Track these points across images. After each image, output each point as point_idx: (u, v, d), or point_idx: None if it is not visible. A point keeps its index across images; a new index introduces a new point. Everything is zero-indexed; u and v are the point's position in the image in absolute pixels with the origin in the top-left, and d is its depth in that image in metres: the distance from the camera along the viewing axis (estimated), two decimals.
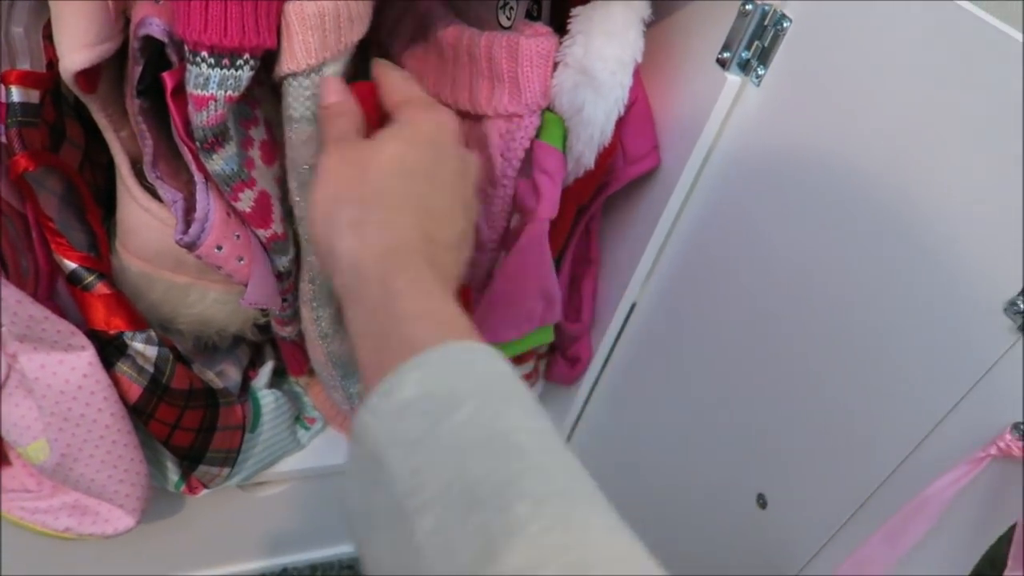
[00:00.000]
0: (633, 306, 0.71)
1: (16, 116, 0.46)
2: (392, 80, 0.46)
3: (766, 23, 0.53)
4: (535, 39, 0.52)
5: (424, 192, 0.39)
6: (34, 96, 0.47)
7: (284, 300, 0.55)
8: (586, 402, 0.82)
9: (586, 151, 0.57)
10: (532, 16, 0.58)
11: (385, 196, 0.38)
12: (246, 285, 0.50)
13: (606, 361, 0.77)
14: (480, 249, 0.59)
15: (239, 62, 0.41)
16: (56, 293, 0.56)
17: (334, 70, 0.44)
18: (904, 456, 0.48)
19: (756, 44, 0.55)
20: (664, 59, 0.60)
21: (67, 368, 0.55)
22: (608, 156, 0.59)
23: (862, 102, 0.49)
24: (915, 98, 0.45)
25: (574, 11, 0.54)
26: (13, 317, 0.50)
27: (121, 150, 0.50)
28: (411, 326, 0.32)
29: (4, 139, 0.46)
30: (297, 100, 0.44)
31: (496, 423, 0.28)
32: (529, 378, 0.78)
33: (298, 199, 0.49)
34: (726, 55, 0.56)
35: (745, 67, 0.56)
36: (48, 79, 0.47)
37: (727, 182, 0.60)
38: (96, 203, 0.53)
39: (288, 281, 0.55)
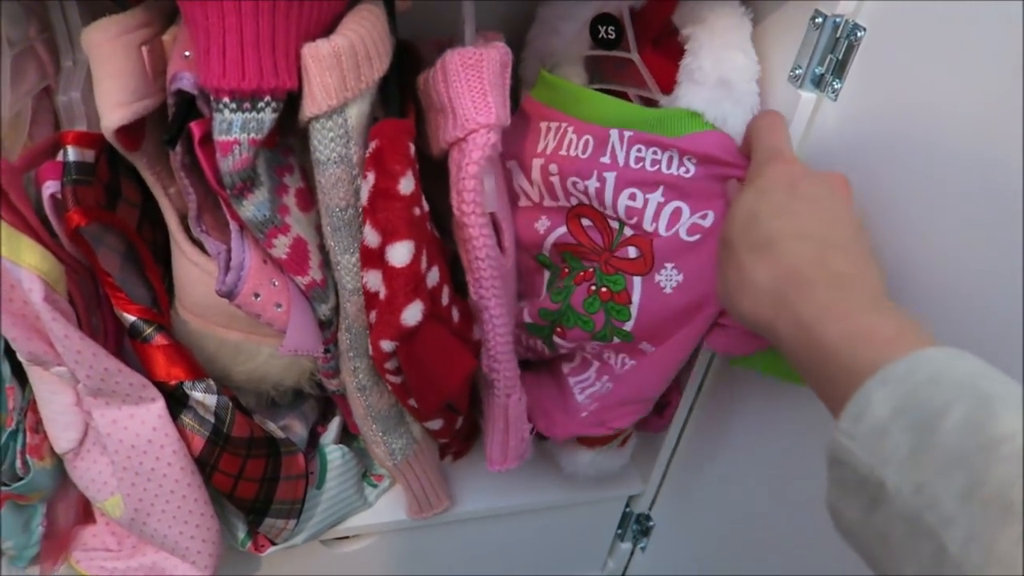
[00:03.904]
0: None
1: (71, 175, 0.48)
2: (760, 137, 0.50)
3: (838, 35, 0.50)
4: (460, 49, 0.47)
5: (780, 229, 0.40)
6: (89, 156, 0.49)
7: (327, 351, 0.54)
8: (675, 448, 0.78)
9: None
10: (609, 42, 0.56)
11: (749, 248, 0.41)
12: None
13: (693, 402, 0.73)
14: (475, 308, 0.55)
15: (260, 104, 0.41)
16: (123, 350, 0.58)
17: (358, 110, 0.43)
18: None
19: (829, 58, 0.51)
20: None
21: (137, 422, 0.56)
22: None
23: (949, 109, 0.44)
24: (1005, 97, 0.40)
25: (686, 30, 0.53)
26: (89, 371, 0.52)
27: (170, 206, 0.51)
28: (844, 355, 0.33)
29: (61, 197, 0.48)
30: (322, 143, 0.43)
31: (992, 427, 0.27)
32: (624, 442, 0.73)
33: (332, 244, 0.48)
34: (798, 71, 0.53)
35: (819, 82, 0.53)
36: (103, 140, 0.49)
37: None
38: (156, 261, 0.55)
39: (330, 330, 0.53)
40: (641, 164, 0.53)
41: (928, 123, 0.45)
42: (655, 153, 0.52)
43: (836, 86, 0.51)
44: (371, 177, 0.44)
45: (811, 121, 0.53)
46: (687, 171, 0.52)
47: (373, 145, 0.44)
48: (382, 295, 0.47)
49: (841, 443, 0.31)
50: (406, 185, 0.45)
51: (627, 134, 0.52)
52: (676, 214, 0.53)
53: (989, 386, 0.29)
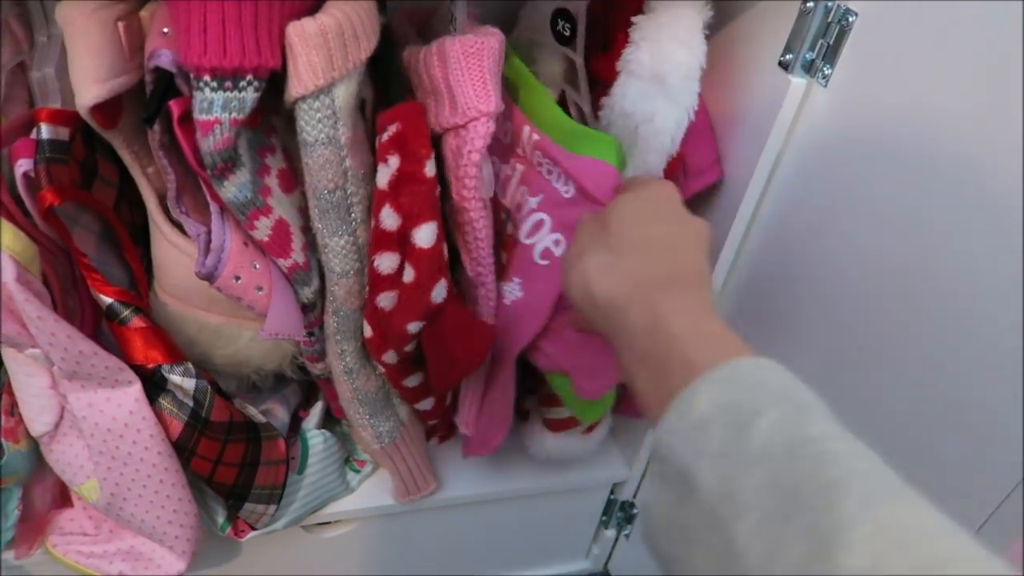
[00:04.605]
0: None
1: (45, 153, 0.46)
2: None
3: (829, 20, 0.50)
4: (460, 37, 0.47)
5: (659, 235, 0.43)
6: (63, 134, 0.47)
7: (311, 335, 0.53)
8: None
9: (656, 162, 0.54)
10: (564, 37, 0.56)
11: (627, 241, 0.42)
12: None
13: None
14: (470, 285, 0.56)
15: (242, 83, 0.40)
16: (101, 333, 0.57)
17: (345, 90, 0.42)
18: None
19: (820, 43, 0.51)
20: (723, 66, 0.57)
21: (114, 405, 0.55)
22: (674, 169, 0.56)
23: (941, 95, 0.44)
24: (995, 86, 0.40)
25: (635, 19, 0.52)
26: (64, 353, 0.51)
27: (148, 186, 0.50)
28: (688, 347, 0.34)
29: (34, 175, 0.46)
30: (309, 124, 0.42)
31: (802, 430, 0.29)
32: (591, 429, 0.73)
33: (320, 227, 0.47)
34: (789, 57, 0.52)
35: (810, 68, 0.52)
36: (78, 117, 0.47)
37: (800, 191, 0.56)
38: (134, 241, 0.53)
39: (314, 314, 0.53)
40: (540, 168, 0.54)
41: (919, 110, 0.45)
42: (549, 164, 0.53)
43: (827, 72, 0.51)
44: (393, 161, 0.45)
45: (801, 107, 0.53)
46: (567, 191, 0.53)
47: (394, 128, 0.45)
48: (409, 277, 0.48)
49: (663, 438, 0.32)
50: (431, 168, 0.46)
51: (535, 137, 0.53)
52: (538, 225, 0.54)
53: (805, 398, 0.31)
